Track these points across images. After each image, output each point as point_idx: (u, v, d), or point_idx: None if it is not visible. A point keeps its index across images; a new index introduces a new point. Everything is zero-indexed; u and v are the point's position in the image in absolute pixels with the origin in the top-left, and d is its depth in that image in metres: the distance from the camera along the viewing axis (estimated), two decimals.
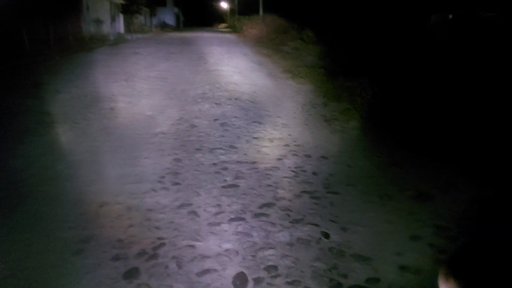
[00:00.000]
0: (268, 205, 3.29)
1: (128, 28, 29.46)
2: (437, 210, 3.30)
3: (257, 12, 30.11)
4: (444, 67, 7.12)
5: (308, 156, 4.52)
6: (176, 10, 52.68)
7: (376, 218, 3.11)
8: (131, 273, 2.39)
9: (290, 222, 3.01)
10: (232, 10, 45.86)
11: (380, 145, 4.99)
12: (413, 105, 6.06)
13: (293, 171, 4.06)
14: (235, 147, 4.77)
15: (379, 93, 6.80)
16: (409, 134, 5.17)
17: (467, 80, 6.15)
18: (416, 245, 2.77)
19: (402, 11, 10.32)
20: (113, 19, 27.44)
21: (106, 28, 24.43)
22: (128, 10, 30.55)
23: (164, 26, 42.67)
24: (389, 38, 9.33)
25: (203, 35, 29.20)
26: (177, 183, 3.69)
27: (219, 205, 3.27)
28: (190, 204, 3.27)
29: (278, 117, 6.26)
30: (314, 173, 4.00)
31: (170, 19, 49.00)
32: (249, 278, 2.37)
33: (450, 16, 11.84)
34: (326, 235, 2.83)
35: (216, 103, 7.09)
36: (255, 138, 5.16)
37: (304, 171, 4.07)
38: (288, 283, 2.31)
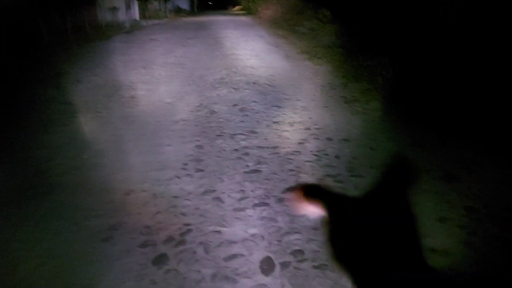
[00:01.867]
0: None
1: (143, 14, 29.45)
2: (465, 191, 3.24)
3: None
4: (468, 42, 6.87)
5: (330, 139, 4.48)
6: None
7: None
8: (160, 259, 2.44)
9: None
10: None
11: (403, 125, 4.90)
12: (435, 82, 5.91)
13: (315, 155, 4.03)
14: (255, 132, 4.76)
15: (400, 71, 6.65)
16: (432, 113, 5.06)
17: (496, 54, 5.93)
18: (444, 227, 2.74)
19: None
20: (128, 6, 27.44)
21: (121, 15, 24.48)
22: None
23: (178, 11, 42.47)
24: (408, 14, 9.04)
25: (218, 19, 28.97)
26: (200, 170, 3.72)
27: (242, 191, 3.29)
28: (214, 190, 3.30)
29: (297, 100, 6.21)
30: (337, 157, 3.96)
31: (184, 4, 48.70)
32: (276, 262, 2.39)
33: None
34: None
35: (234, 88, 7.06)
36: (275, 122, 5.14)
37: (326, 154, 4.04)
38: (315, 267, 2.32)
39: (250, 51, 11.73)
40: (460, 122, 4.70)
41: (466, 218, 2.82)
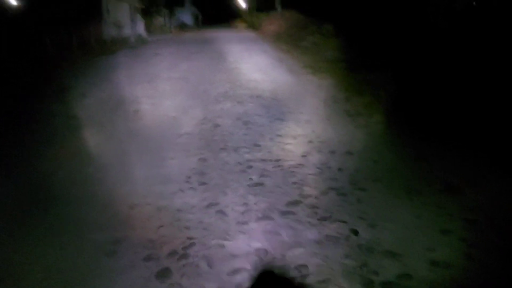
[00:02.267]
0: (295, 203, 3.29)
1: (148, 30, 29.85)
2: (467, 203, 3.23)
3: (274, 8, 29.97)
4: (470, 56, 6.92)
5: (333, 152, 4.49)
6: (194, 9, 53.05)
7: (404, 213, 3.08)
8: (163, 273, 2.44)
9: (317, 219, 3.00)
10: (249, 8, 45.79)
11: (406, 138, 4.91)
12: (437, 95, 5.94)
13: (318, 168, 4.05)
14: (259, 145, 4.79)
15: (402, 86, 6.68)
16: (434, 127, 5.08)
17: (495, 67, 5.97)
18: (446, 240, 2.73)
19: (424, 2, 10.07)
20: (133, 21, 27.84)
21: (126, 31, 24.82)
22: (148, 11, 30.98)
23: (183, 26, 43.03)
24: (411, 29, 9.13)
25: (221, 34, 29.30)
26: (204, 183, 3.74)
27: (246, 204, 3.29)
28: (217, 204, 3.31)
29: (301, 113, 6.25)
30: (340, 169, 3.97)
31: (188, 19, 49.41)
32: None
33: (474, 3, 11.46)
34: (355, 232, 2.81)
35: (238, 102, 7.12)
36: (278, 135, 5.17)
37: (329, 167, 4.05)
38: (320, 281, 2.32)
39: (254, 65, 11.85)
40: (462, 134, 4.71)
41: (468, 231, 2.81)
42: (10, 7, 15.85)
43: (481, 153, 4.21)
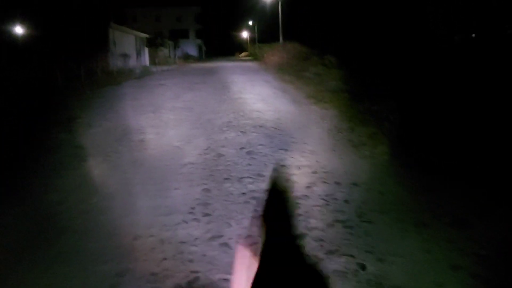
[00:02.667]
0: (301, 236, 3.24)
1: (153, 61, 30.46)
2: (477, 238, 3.17)
3: (277, 39, 30.67)
4: (472, 86, 6.99)
5: (338, 183, 4.46)
6: (198, 41, 54.33)
7: (413, 247, 3.02)
8: None
9: (324, 253, 2.95)
10: (252, 39, 46.86)
11: (412, 170, 4.88)
12: (442, 127, 5.95)
13: (323, 199, 4.01)
14: (263, 176, 4.77)
15: (406, 116, 6.72)
16: (441, 158, 5.06)
17: (498, 101, 6.01)
18: (457, 275, 2.66)
19: (425, 33, 10.29)
20: (138, 53, 28.47)
21: (132, 62, 25.34)
22: (153, 43, 31.72)
23: (187, 57, 43.93)
24: (414, 60, 9.28)
25: (225, 65, 29.84)
26: (207, 214, 3.71)
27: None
28: (221, 236, 3.27)
29: (304, 143, 6.25)
30: (346, 201, 3.93)
31: (193, 50, 50.53)
32: None
33: (473, 35, 11.69)
34: (363, 267, 2.75)
35: (241, 131, 7.16)
36: (282, 165, 5.16)
37: (335, 199, 4.01)
38: None
39: (257, 95, 11.98)
40: (469, 165, 4.68)
41: (479, 266, 2.75)
42: (17, 37, 16.29)
43: (489, 186, 4.17)
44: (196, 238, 3.24)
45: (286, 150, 5.91)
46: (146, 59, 30.49)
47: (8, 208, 3.97)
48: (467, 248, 2.99)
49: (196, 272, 2.74)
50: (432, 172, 4.74)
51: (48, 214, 3.81)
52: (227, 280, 2.64)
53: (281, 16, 29.17)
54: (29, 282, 2.69)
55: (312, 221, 3.52)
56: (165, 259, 2.93)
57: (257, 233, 3.16)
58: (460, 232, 3.25)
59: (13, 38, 16.05)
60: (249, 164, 5.25)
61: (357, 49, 12.76)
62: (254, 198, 4.08)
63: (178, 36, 44.66)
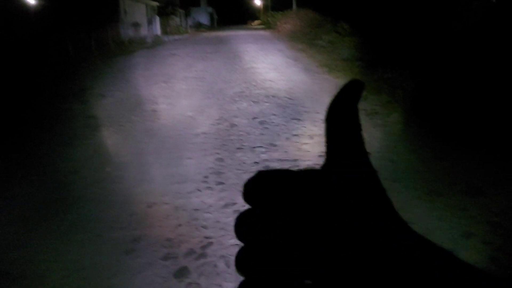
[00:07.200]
0: None
1: (164, 30, 30.12)
2: (490, 206, 3.16)
3: (290, 7, 29.93)
4: (490, 53, 6.76)
5: None
6: (210, 9, 53.33)
7: (425, 215, 3.02)
8: (181, 272, 2.45)
9: None
10: (265, 7, 45.78)
11: (425, 138, 4.82)
12: (458, 93, 5.82)
13: None
14: (275, 145, 4.78)
15: (420, 83, 6.57)
16: (455, 126, 4.97)
17: None
18: (469, 243, 2.67)
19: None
20: (149, 22, 28.14)
21: (143, 31, 25.11)
22: (164, 12, 31.26)
23: (199, 26, 43.31)
24: (429, 27, 8.97)
25: (237, 33, 29.36)
26: (221, 183, 3.75)
27: None
28: (234, 203, 3.32)
29: (317, 112, 6.20)
30: None
31: (204, 19, 49.70)
32: None
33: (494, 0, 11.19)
34: None
35: (253, 101, 7.12)
36: (295, 135, 5.14)
37: None
38: None
39: (269, 64, 11.82)
40: (483, 134, 4.60)
41: (491, 234, 2.75)
42: (29, 6, 16.21)
43: (504, 155, 4.11)
44: (210, 206, 3.30)
45: (298, 119, 5.88)
46: (157, 28, 30.16)
47: (25, 177, 4.08)
48: (479, 216, 2.99)
49: (210, 237, 2.81)
50: (445, 140, 4.67)
51: (63, 182, 3.90)
52: (240, 245, 2.69)
53: None
54: (46, 250, 2.78)
55: None
56: (179, 225, 3.00)
57: None
58: (473, 200, 3.24)
59: (26, 8, 15.98)
60: (262, 134, 5.25)
61: (371, 16, 12.37)
62: (267, 167, 4.10)
63: (189, 4, 43.88)
